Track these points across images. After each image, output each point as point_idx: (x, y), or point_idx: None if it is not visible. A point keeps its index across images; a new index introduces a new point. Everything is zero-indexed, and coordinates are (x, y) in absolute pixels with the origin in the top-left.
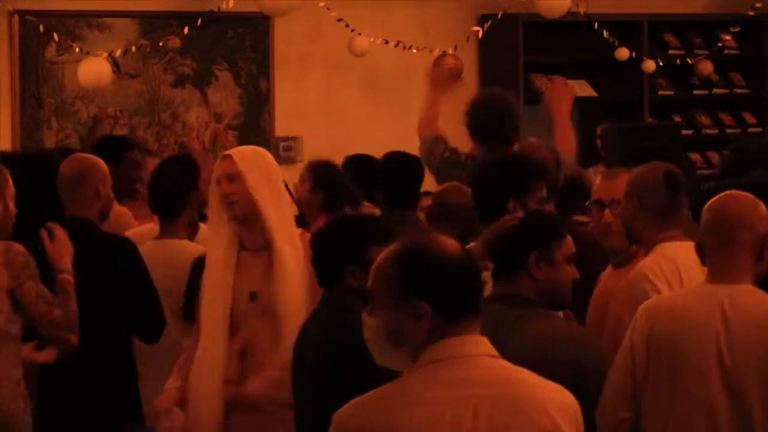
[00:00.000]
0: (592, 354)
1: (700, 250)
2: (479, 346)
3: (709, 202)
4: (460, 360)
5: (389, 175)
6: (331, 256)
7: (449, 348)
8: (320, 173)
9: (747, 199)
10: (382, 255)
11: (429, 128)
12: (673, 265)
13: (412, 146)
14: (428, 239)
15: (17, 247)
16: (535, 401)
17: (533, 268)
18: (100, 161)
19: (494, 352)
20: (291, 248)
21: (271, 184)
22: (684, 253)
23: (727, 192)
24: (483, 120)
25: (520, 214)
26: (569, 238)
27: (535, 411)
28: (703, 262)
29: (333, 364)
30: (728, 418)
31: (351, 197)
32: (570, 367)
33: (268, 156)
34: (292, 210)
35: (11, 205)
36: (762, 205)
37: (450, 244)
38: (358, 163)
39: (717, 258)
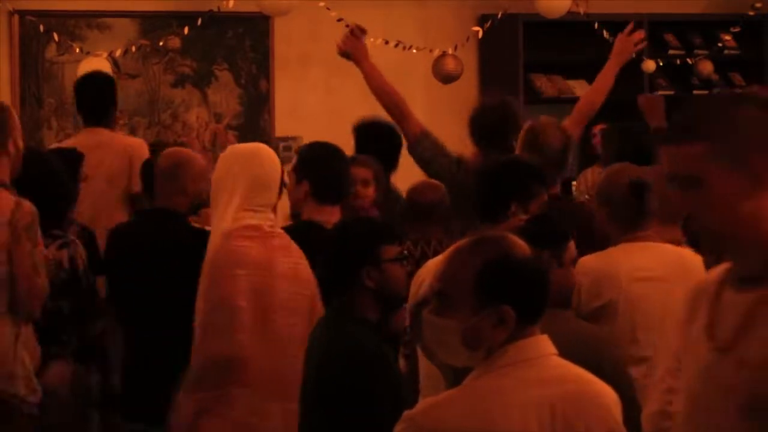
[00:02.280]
0: (609, 354)
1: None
2: (549, 345)
3: None
4: (538, 360)
5: (364, 141)
6: (347, 259)
7: (528, 349)
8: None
9: None
10: (455, 259)
11: (387, 94)
12: (613, 267)
13: None
14: (504, 242)
15: (27, 206)
16: (599, 397)
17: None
18: (196, 158)
19: (555, 350)
20: None
21: None
22: (630, 256)
23: None
24: (485, 126)
25: (524, 217)
26: (573, 243)
27: (600, 406)
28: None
29: (338, 372)
30: None
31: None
32: (589, 367)
33: None
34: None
35: (20, 143)
36: None
37: (523, 245)
38: None
39: None
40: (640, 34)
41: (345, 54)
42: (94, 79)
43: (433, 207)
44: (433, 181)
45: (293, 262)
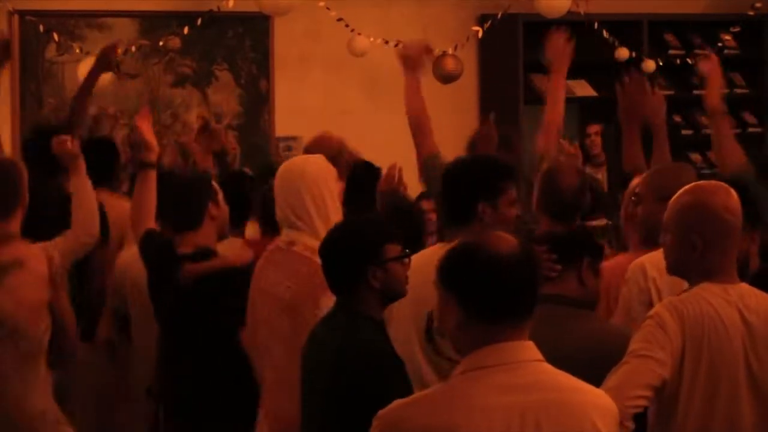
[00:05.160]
0: None
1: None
2: (525, 351)
3: (690, 197)
4: (513, 365)
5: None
6: (353, 259)
7: (501, 353)
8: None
9: (729, 191)
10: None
11: (417, 109)
12: None
13: (412, 146)
14: (483, 239)
15: (55, 255)
16: (578, 407)
17: (585, 273)
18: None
19: (540, 356)
20: None
21: None
22: None
23: (713, 184)
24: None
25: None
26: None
27: (579, 416)
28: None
29: (357, 370)
30: (753, 423)
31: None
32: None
33: None
34: None
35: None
36: (735, 195)
37: (503, 244)
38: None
39: (713, 257)
40: (563, 34)
41: (404, 56)
42: (98, 143)
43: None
44: None
45: None
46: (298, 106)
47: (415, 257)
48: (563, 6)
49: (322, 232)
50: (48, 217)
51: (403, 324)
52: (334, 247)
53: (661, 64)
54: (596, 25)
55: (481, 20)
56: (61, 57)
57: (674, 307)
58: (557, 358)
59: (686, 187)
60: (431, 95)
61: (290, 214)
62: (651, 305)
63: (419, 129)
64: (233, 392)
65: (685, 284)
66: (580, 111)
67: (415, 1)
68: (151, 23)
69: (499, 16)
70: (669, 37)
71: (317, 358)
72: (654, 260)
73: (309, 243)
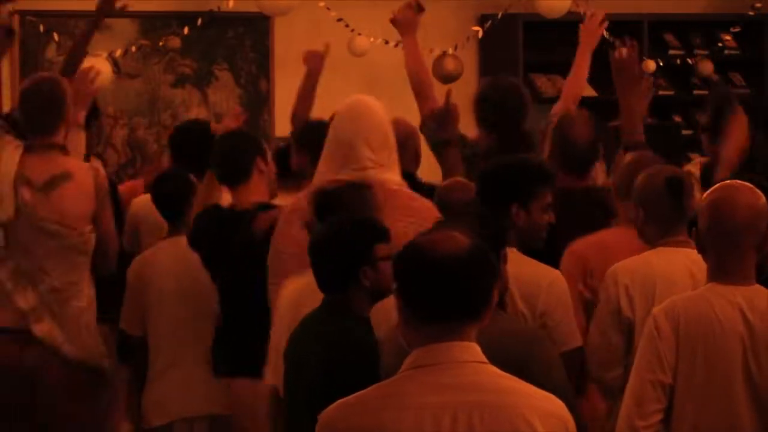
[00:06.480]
0: (539, 353)
1: (699, 239)
2: (465, 351)
3: (715, 194)
4: (444, 366)
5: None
6: (345, 259)
7: (438, 353)
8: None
9: (751, 193)
10: None
11: (416, 69)
12: (650, 277)
13: None
14: (433, 238)
15: (101, 170)
16: (515, 408)
17: (502, 266)
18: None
19: (483, 358)
20: None
21: None
22: (666, 263)
23: (731, 184)
24: (493, 110)
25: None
26: None
27: (514, 418)
28: (702, 250)
29: (345, 373)
30: (752, 424)
31: None
32: (516, 365)
33: None
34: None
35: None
36: (763, 197)
37: (447, 245)
38: None
39: (725, 258)
40: (601, 15)
41: (395, 22)
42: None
43: (462, 206)
44: (463, 180)
45: None
46: None
47: None
48: (563, 6)
49: (397, 169)
50: None
51: None
52: (325, 248)
53: (661, 64)
54: None
55: (481, 20)
56: (61, 57)
57: (671, 308)
58: None
59: (715, 185)
60: None
61: (384, 152)
62: (621, 313)
63: (419, 91)
64: None
65: (658, 289)
66: None
67: None
68: (151, 23)
69: (499, 16)
70: (669, 37)
71: (304, 355)
72: (628, 266)
73: (398, 179)
